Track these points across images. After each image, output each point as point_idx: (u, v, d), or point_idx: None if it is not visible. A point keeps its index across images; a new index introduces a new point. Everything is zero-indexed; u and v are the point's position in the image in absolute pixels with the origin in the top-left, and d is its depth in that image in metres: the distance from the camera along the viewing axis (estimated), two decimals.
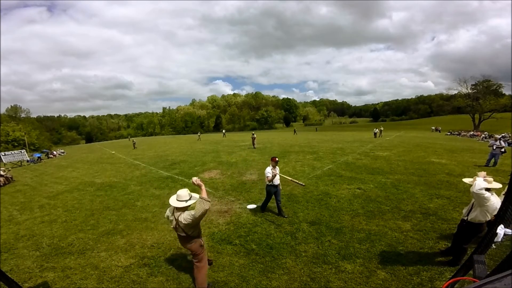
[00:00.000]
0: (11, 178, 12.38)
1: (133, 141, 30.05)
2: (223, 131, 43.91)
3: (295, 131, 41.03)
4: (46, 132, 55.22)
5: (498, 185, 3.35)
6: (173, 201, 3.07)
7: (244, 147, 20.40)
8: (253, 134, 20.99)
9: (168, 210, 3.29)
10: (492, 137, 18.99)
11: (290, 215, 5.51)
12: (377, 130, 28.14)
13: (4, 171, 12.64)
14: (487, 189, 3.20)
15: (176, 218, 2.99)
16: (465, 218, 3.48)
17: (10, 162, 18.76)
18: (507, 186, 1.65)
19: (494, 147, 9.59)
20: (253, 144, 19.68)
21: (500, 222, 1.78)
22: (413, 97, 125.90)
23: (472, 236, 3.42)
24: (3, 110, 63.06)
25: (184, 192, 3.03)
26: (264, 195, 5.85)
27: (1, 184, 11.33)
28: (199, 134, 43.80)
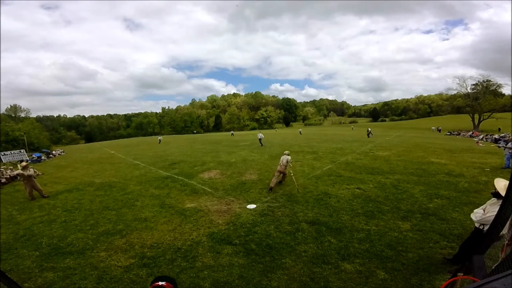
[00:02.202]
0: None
1: (159, 138, 35.98)
2: (232, 131, 49.30)
3: (300, 132, 41.60)
4: (46, 131, 55.13)
5: None
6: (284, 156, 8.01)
7: (244, 146, 20.41)
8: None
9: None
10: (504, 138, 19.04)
11: (290, 215, 5.51)
12: (369, 130, 28.48)
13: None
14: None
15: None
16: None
17: (9, 162, 18.72)
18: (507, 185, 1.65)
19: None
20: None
21: (499, 222, 1.78)
22: (413, 97, 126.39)
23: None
24: (2, 110, 63.01)
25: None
26: (264, 195, 6.70)
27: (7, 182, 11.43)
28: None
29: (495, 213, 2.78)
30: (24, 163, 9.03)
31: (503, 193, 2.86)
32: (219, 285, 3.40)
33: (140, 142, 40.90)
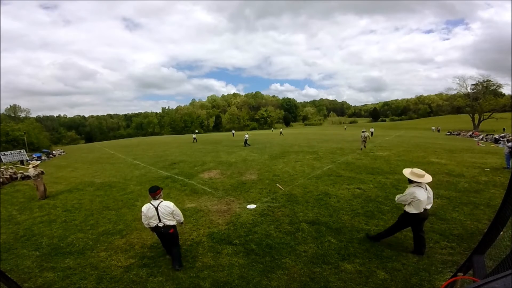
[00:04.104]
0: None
1: (194, 137, 32.23)
2: (232, 131, 48.06)
3: (281, 133, 40.99)
4: (46, 131, 55.09)
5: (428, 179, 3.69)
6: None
7: (244, 146, 20.40)
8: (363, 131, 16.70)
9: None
10: (504, 138, 19.06)
11: (290, 215, 5.51)
12: (372, 130, 27.68)
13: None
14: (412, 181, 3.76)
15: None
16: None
17: (9, 162, 18.72)
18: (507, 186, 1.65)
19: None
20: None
21: (499, 222, 1.78)
22: (413, 97, 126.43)
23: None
24: (2, 110, 63.04)
25: None
26: (264, 195, 6.61)
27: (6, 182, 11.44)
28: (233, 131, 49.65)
29: (411, 194, 3.55)
30: (35, 162, 9.04)
31: (410, 177, 3.75)
32: (219, 285, 3.40)
33: (140, 142, 40.88)
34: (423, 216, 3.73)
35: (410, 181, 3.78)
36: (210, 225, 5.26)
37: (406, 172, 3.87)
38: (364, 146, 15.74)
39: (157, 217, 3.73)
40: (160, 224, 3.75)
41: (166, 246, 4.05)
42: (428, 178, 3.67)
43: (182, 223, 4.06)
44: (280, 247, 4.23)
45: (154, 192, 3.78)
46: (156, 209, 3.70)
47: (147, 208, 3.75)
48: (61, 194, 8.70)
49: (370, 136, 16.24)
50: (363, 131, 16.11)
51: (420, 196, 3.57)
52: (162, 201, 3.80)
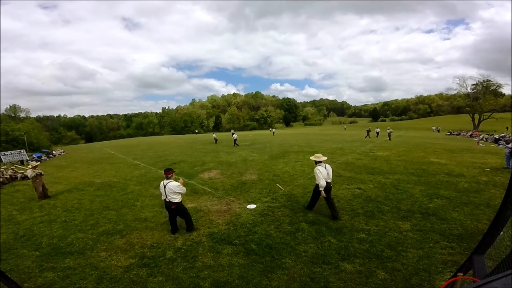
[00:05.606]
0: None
1: (214, 137, 28.47)
2: (232, 131, 47.33)
3: (273, 133, 41.51)
4: (46, 131, 55.01)
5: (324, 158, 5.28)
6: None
7: (243, 147, 20.41)
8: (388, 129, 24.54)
9: None
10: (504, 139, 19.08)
11: (290, 215, 5.51)
12: (377, 130, 28.46)
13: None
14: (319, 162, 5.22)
15: None
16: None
17: (9, 162, 18.71)
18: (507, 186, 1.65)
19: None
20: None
21: (499, 222, 1.78)
22: (413, 97, 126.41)
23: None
24: (2, 110, 62.98)
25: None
26: (264, 195, 6.59)
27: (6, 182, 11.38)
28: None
29: (317, 169, 5.11)
30: (34, 163, 9.02)
31: (314, 159, 5.27)
32: (219, 285, 3.40)
33: (140, 142, 40.88)
34: (327, 187, 5.09)
35: (316, 163, 5.21)
36: (210, 225, 5.26)
37: (312, 157, 5.40)
38: (390, 139, 21.64)
39: (164, 193, 4.66)
40: (166, 199, 4.70)
41: (173, 218, 4.90)
42: (324, 157, 5.23)
43: (182, 193, 4.82)
44: (280, 247, 4.23)
45: (167, 172, 4.75)
46: (164, 187, 4.64)
47: (160, 185, 4.78)
48: (61, 194, 8.70)
49: (392, 131, 22.12)
50: (388, 128, 23.30)
51: (321, 172, 5.01)
52: (170, 181, 4.66)
